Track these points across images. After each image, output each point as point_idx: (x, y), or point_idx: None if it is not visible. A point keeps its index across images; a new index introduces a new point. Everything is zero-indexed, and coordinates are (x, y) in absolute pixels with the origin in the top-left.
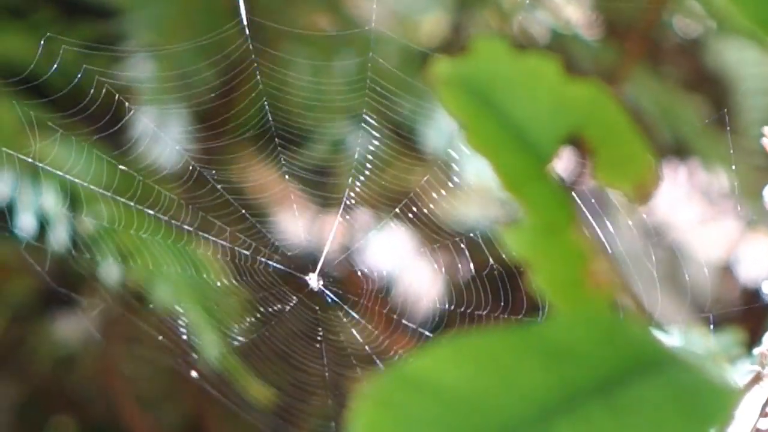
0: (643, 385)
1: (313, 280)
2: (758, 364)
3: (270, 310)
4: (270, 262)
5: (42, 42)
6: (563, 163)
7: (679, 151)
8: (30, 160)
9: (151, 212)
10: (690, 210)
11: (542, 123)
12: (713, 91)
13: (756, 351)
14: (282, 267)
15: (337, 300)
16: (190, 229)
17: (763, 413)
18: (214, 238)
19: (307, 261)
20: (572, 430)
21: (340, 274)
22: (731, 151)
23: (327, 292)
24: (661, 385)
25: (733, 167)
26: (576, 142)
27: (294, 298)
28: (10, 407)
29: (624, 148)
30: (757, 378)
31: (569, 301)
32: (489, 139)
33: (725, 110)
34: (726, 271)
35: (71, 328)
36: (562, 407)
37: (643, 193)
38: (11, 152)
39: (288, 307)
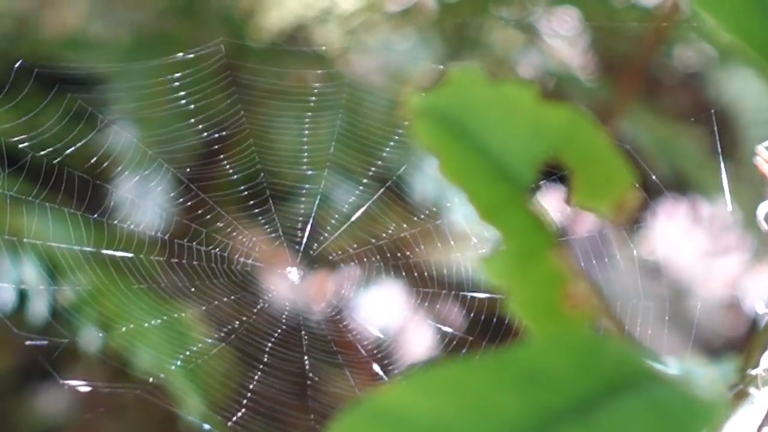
0: (622, 405)
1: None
2: (754, 385)
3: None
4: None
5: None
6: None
7: (680, 184)
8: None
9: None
10: (693, 244)
11: (519, 149)
12: (714, 123)
13: (753, 372)
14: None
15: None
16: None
17: None
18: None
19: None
20: None
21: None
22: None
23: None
24: (642, 404)
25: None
26: (554, 166)
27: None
28: None
29: (603, 168)
30: (743, 395)
31: (546, 325)
32: (464, 169)
33: (726, 142)
34: (732, 305)
35: (53, 401)
36: (538, 431)
37: (621, 212)
38: None
39: None
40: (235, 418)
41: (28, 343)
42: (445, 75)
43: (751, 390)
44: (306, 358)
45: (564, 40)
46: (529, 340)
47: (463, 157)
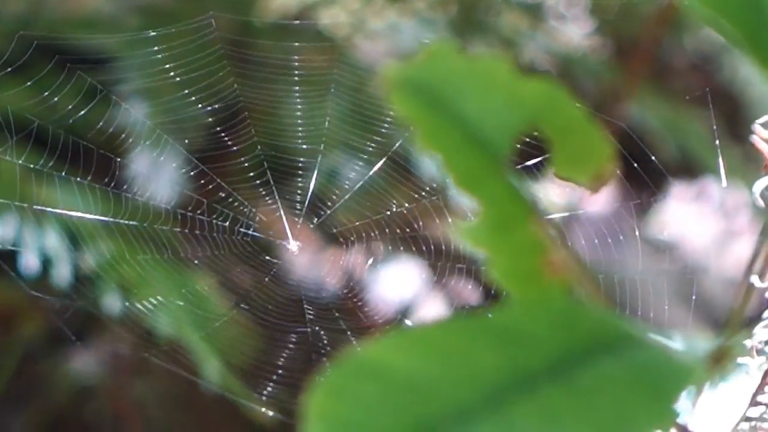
0: (601, 366)
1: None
2: (749, 355)
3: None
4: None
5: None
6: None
7: (689, 166)
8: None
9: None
10: (704, 225)
11: (495, 119)
12: (726, 106)
13: (748, 343)
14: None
15: None
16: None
17: (753, 402)
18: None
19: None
20: (528, 411)
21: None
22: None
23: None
24: (621, 365)
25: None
26: (531, 138)
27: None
28: None
29: (580, 140)
30: (722, 356)
31: (526, 292)
32: (439, 138)
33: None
34: (745, 285)
35: (84, 363)
36: (516, 390)
37: (600, 183)
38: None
39: None
40: (253, 383)
41: (34, 295)
42: (422, 49)
43: (746, 360)
44: (317, 329)
45: (571, 23)
46: (508, 303)
47: (438, 126)
